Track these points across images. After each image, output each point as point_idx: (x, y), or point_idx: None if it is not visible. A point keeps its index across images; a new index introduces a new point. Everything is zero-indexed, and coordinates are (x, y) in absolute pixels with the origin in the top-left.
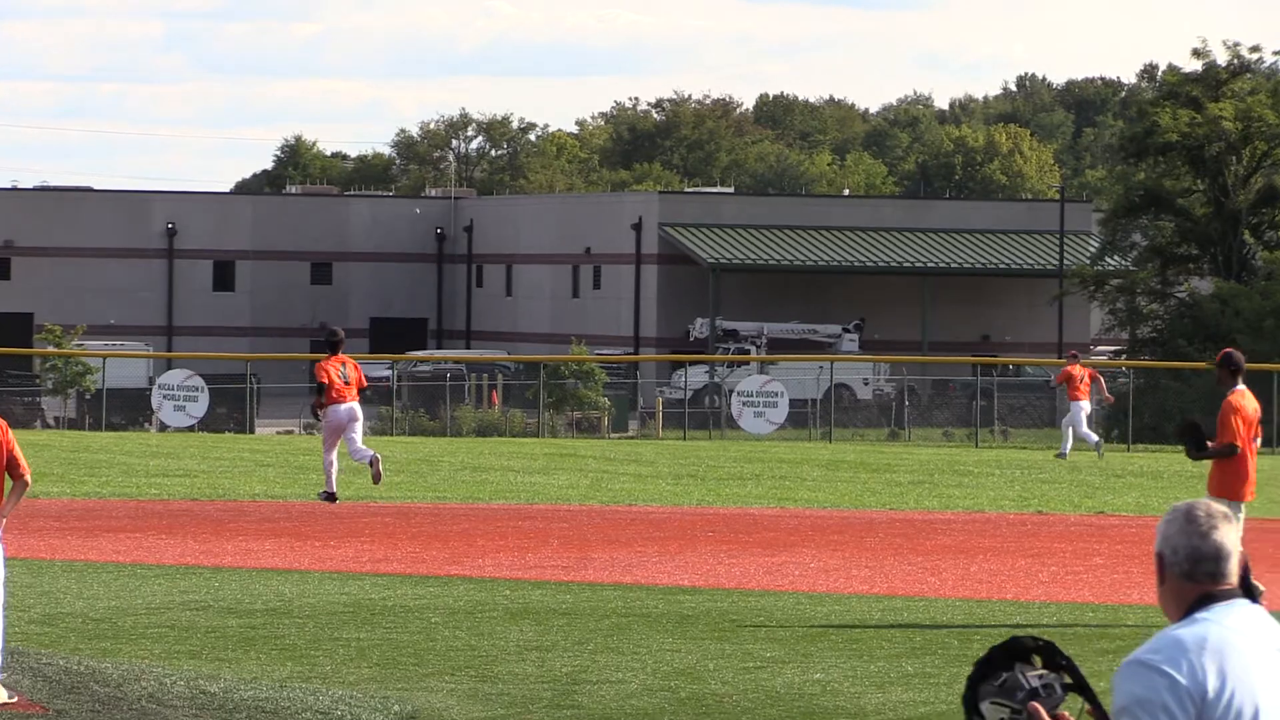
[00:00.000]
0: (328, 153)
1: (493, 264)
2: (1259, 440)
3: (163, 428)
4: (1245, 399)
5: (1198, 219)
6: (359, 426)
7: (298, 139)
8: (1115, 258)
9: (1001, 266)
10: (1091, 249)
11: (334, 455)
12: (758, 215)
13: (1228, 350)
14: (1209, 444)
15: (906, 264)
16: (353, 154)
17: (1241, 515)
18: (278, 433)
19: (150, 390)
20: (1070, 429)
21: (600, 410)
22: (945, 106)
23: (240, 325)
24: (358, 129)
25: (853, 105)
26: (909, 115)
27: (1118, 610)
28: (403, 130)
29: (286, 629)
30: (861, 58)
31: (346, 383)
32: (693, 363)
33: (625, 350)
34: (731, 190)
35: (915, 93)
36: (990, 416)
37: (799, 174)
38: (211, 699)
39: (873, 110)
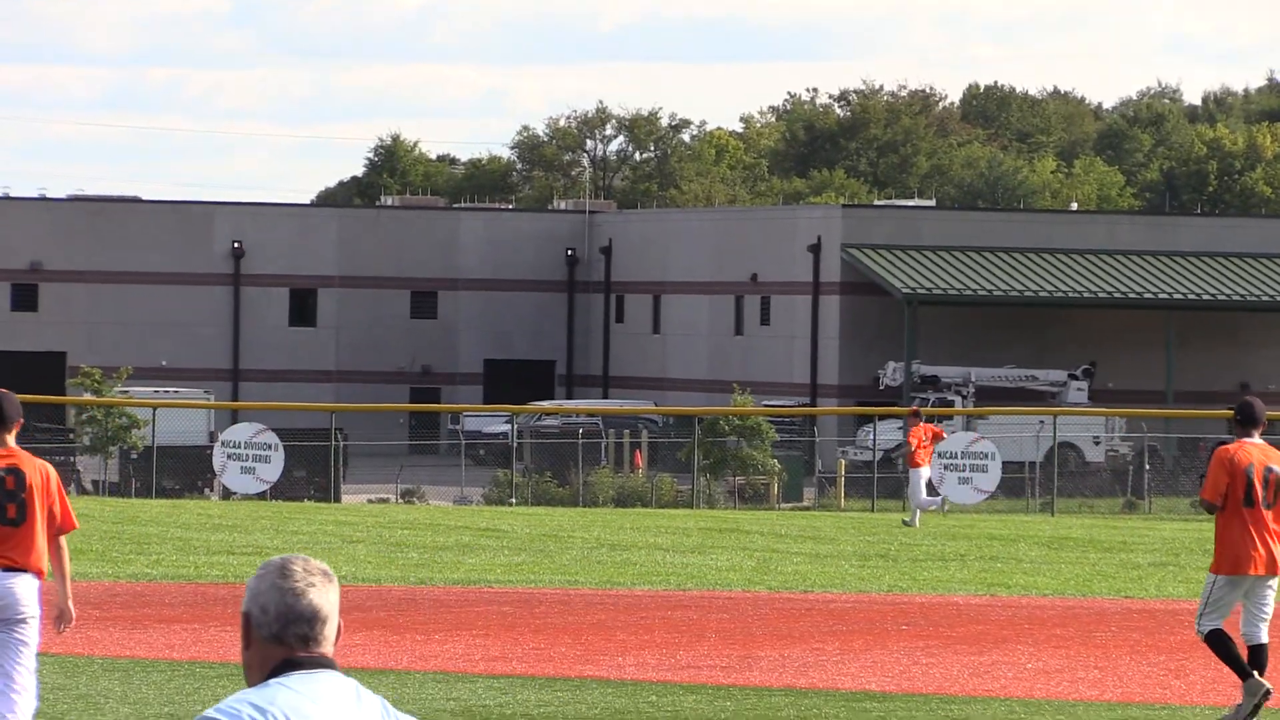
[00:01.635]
0: (432, 156)
1: (636, 294)
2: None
3: (227, 494)
4: (1245, 451)
5: None
6: None
7: (395, 139)
8: None
9: (1265, 299)
10: None
11: None
12: (964, 235)
13: (1245, 399)
14: None
15: (1148, 295)
16: (464, 158)
17: (1270, 593)
18: (369, 500)
19: (211, 448)
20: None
21: (769, 475)
22: (1198, 101)
23: (324, 368)
24: (470, 127)
25: (1083, 99)
26: (1152, 112)
27: None
28: (526, 128)
29: None
30: (1094, 42)
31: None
32: (883, 417)
33: (800, 401)
34: (932, 204)
35: (1160, 84)
36: None
37: (1016, 184)
38: None
39: (1107, 106)
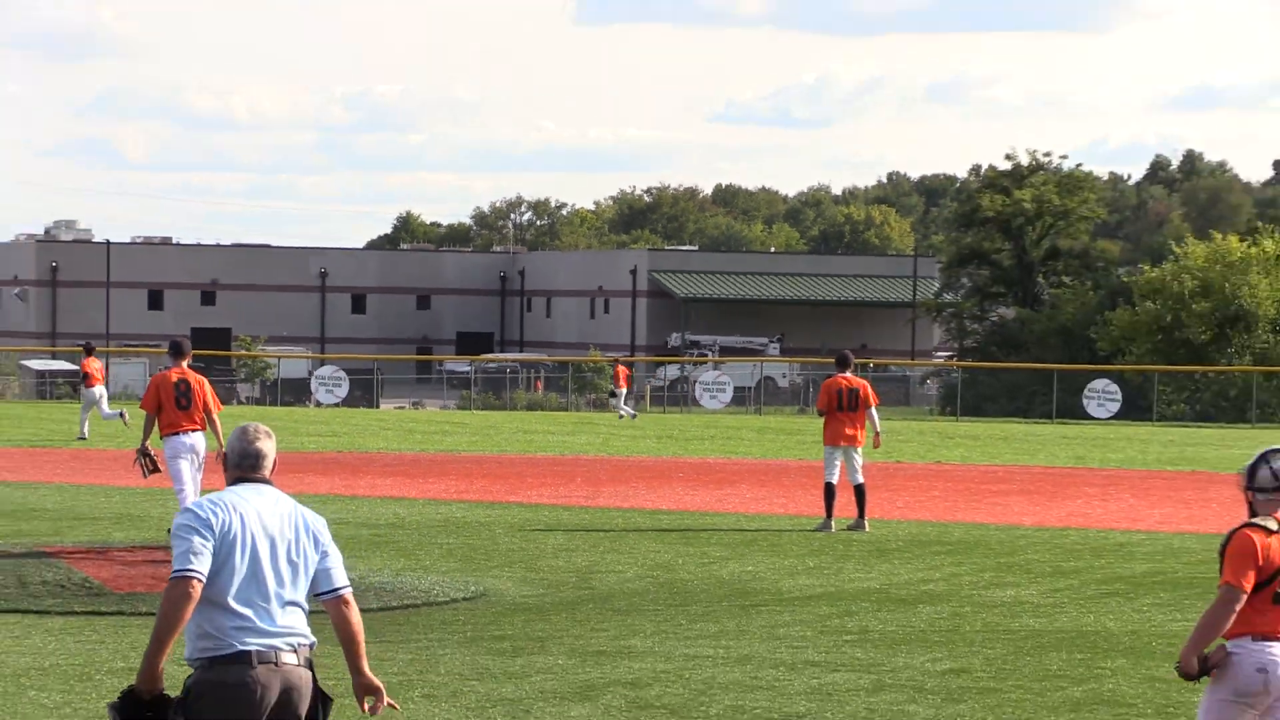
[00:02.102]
0: (428, 222)
1: (538, 297)
2: None
3: (318, 404)
4: (839, 380)
5: (1005, 268)
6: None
7: (408, 213)
8: (949, 294)
9: (875, 300)
10: (934, 288)
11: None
12: (714, 264)
13: (843, 351)
14: None
15: (813, 298)
16: (444, 223)
17: (858, 456)
18: (395, 408)
19: (310, 379)
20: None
21: (605, 392)
22: (839, 192)
23: (370, 336)
24: (449, 207)
25: (777, 191)
26: (815, 198)
27: (948, 527)
28: (478, 207)
29: (400, 536)
30: (785, 160)
31: (182, 407)
32: (669, 362)
33: (625, 354)
34: (696, 248)
35: (819, 184)
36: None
37: (742, 237)
38: (352, 582)
39: (790, 194)
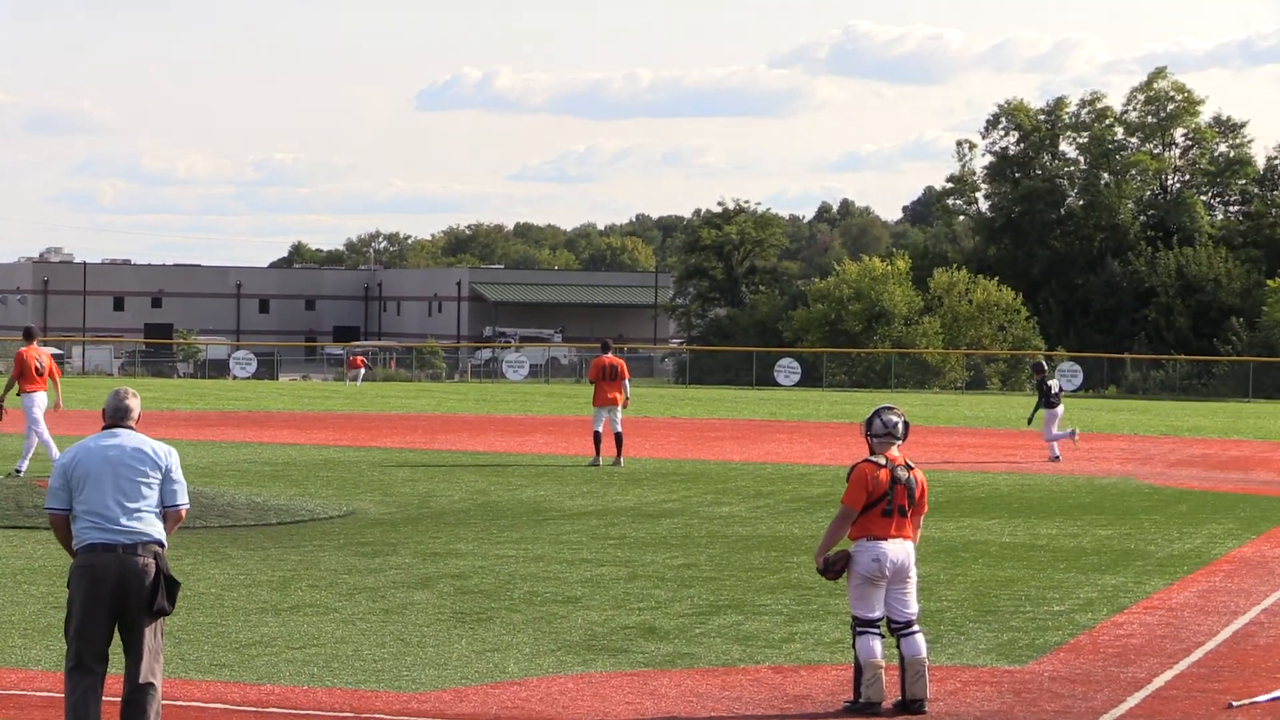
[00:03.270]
0: (313, 248)
1: (391, 301)
2: None
3: (235, 378)
4: (606, 358)
5: (719, 280)
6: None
7: (299, 243)
8: (680, 299)
9: (629, 302)
10: (670, 294)
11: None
12: (516, 278)
13: (605, 339)
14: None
15: (585, 302)
16: (325, 249)
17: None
18: (289, 380)
19: (229, 360)
20: None
21: (439, 368)
22: (602, 228)
23: (272, 329)
24: (328, 238)
25: (559, 227)
26: (585, 231)
27: (681, 463)
28: (348, 238)
29: (292, 472)
30: (564, 205)
31: (39, 373)
32: (484, 347)
33: (449, 340)
34: (503, 266)
35: (588, 221)
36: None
37: (535, 259)
38: (256, 504)
39: (568, 229)
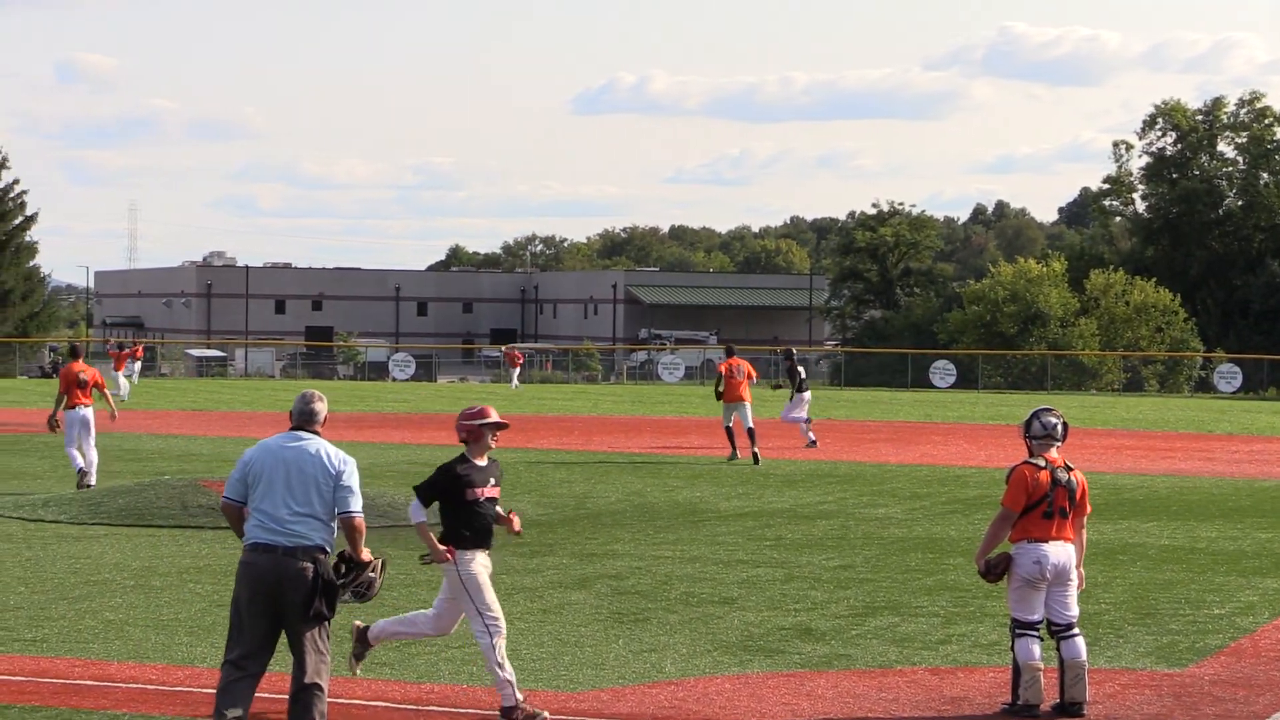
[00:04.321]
0: (470, 251)
1: (547, 304)
2: None
3: (394, 380)
4: (735, 360)
5: (874, 283)
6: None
7: (456, 246)
8: (835, 301)
9: (783, 305)
10: (824, 296)
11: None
12: (671, 280)
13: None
14: None
15: (740, 304)
16: (482, 252)
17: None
18: (447, 382)
19: (388, 362)
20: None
21: (595, 370)
22: (757, 230)
23: (429, 331)
24: (485, 241)
25: (714, 229)
26: (740, 234)
27: (836, 464)
28: (505, 241)
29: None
30: (718, 207)
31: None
32: (640, 349)
33: (605, 342)
34: (658, 269)
35: (742, 224)
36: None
37: (689, 261)
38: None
39: (723, 231)
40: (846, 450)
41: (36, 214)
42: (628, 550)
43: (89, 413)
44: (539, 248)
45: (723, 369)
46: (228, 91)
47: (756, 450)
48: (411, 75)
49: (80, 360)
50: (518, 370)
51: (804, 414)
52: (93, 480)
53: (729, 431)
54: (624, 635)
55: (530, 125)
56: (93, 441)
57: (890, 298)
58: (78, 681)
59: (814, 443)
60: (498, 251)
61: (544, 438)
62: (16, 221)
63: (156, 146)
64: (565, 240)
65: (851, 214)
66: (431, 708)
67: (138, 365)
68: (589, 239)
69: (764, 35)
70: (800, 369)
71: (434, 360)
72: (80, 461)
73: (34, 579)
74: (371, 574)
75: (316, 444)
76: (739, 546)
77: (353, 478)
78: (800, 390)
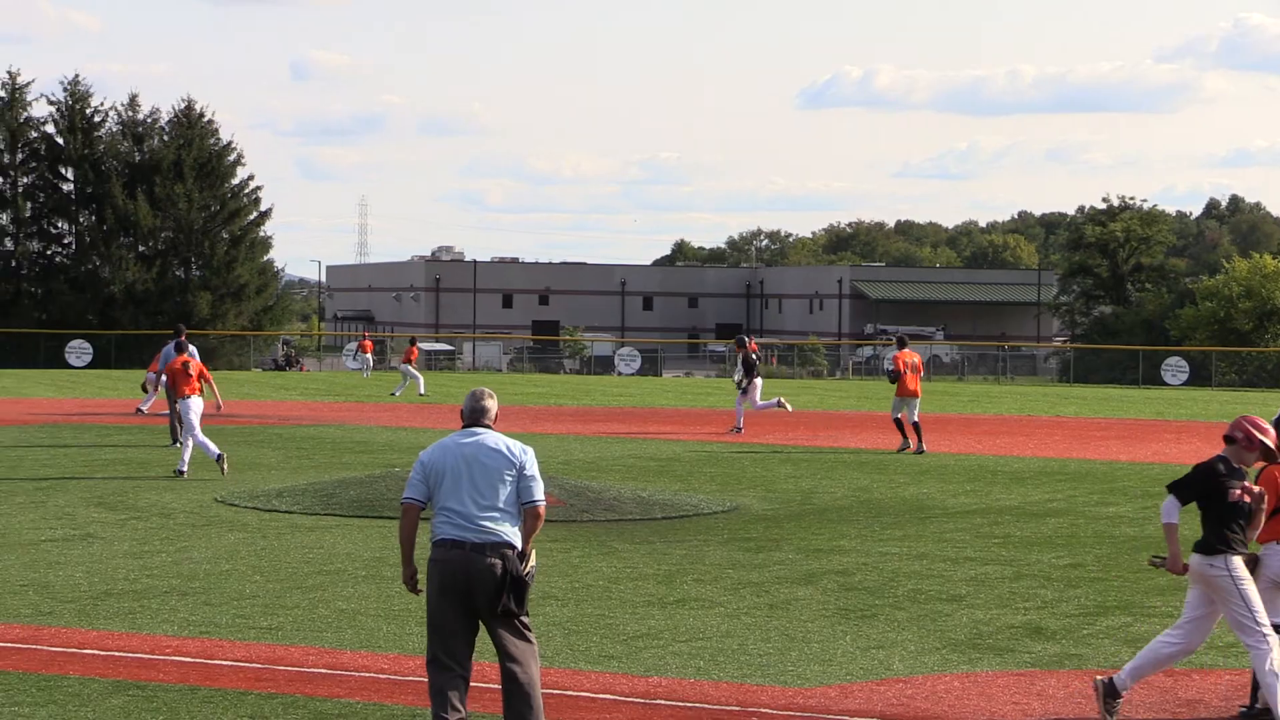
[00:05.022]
0: (695, 246)
1: (772, 299)
2: None
3: (619, 374)
4: (905, 354)
5: (1104, 278)
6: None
7: (682, 240)
8: (1064, 297)
9: (1011, 300)
10: (1053, 292)
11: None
12: (897, 276)
13: (899, 335)
14: None
15: (967, 300)
16: (707, 247)
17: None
18: (673, 376)
19: (613, 356)
20: None
21: (820, 365)
22: (984, 225)
23: (655, 326)
24: (710, 235)
25: (940, 224)
26: (966, 229)
27: (1066, 462)
28: (730, 236)
29: (676, 467)
30: (945, 202)
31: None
32: (865, 345)
33: (830, 337)
34: (884, 264)
35: (969, 219)
36: (962, 368)
37: (915, 256)
38: (641, 499)
39: (949, 226)
40: (1076, 448)
41: (270, 209)
42: (854, 546)
43: (197, 402)
44: (764, 242)
45: (900, 363)
46: (456, 88)
47: (924, 445)
48: (637, 70)
49: (185, 353)
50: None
51: (758, 398)
52: (184, 469)
53: (899, 423)
54: (851, 631)
55: (755, 120)
56: (194, 431)
57: (1120, 293)
58: (312, 669)
59: (739, 429)
60: (723, 246)
61: (769, 433)
62: (251, 217)
63: (387, 143)
64: (790, 235)
65: (1081, 209)
66: (659, 701)
67: (369, 358)
68: (814, 234)
69: (992, 28)
70: (752, 356)
71: (659, 355)
72: (214, 447)
73: (269, 568)
74: (533, 564)
75: (494, 437)
76: (967, 544)
77: (534, 467)
78: (753, 376)
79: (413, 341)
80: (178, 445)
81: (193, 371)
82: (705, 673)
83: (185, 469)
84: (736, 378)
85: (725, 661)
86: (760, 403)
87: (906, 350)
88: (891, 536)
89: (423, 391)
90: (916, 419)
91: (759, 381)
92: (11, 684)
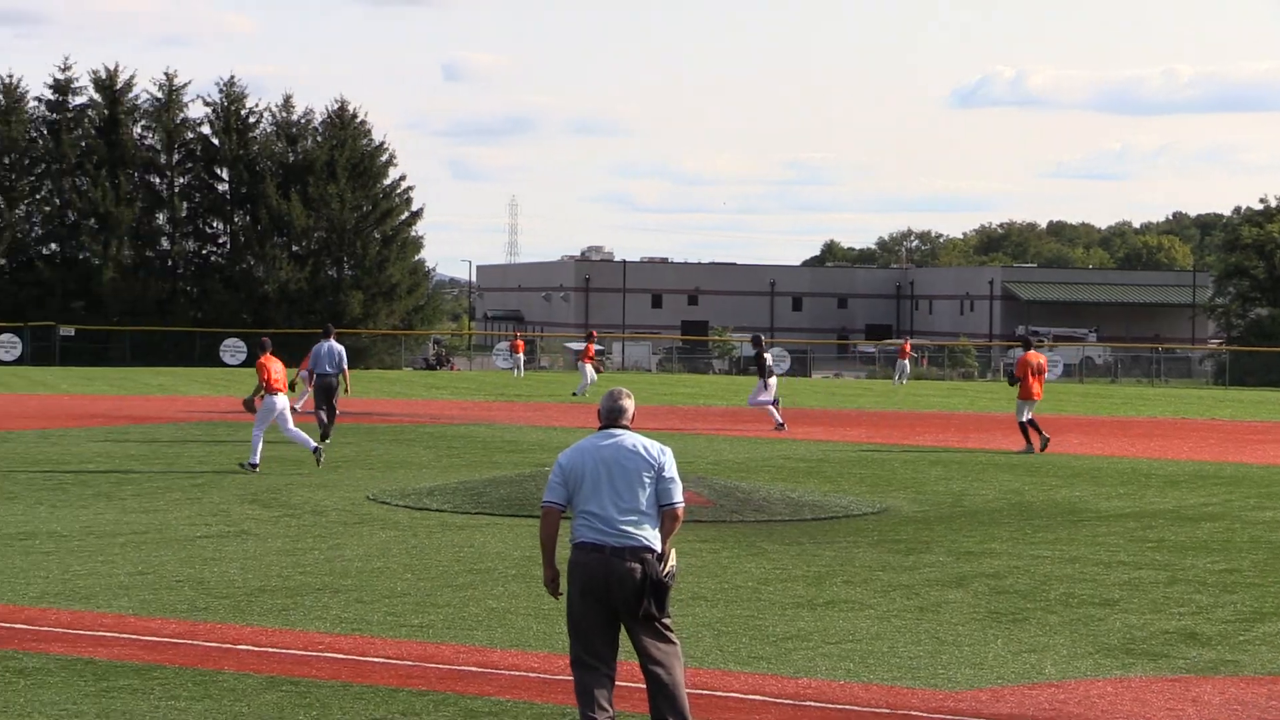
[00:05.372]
0: (844, 246)
1: (923, 300)
2: None
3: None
4: (1032, 354)
5: (1260, 280)
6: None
7: (831, 241)
8: (1219, 298)
9: (1165, 302)
10: (1208, 294)
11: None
12: (1049, 277)
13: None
14: None
15: (1120, 301)
16: (857, 247)
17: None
18: (822, 377)
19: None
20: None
21: (971, 367)
22: (1138, 226)
23: (804, 326)
24: (859, 236)
25: (1093, 225)
26: (1120, 230)
27: (1222, 465)
28: (880, 236)
29: (825, 468)
30: (1098, 203)
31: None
32: (1017, 346)
33: (981, 339)
34: (1035, 265)
35: (1122, 219)
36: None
37: (1068, 257)
38: (790, 500)
39: (1102, 227)
40: (1231, 451)
41: (422, 210)
42: (1005, 549)
43: (283, 400)
44: (914, 243)
45: (1025, 366)
46: (606, 89)
47: (1046, 438)
48: (787, 69)
49: (268, 353)
50: (906, 365)
51: (770, 398)
52: (255, 462)
53: (1022, 427)
54: (1002, 635)
55: (905, 119)
56: (288, 426)
57: (1277, 296)
58: (462, 667)
59: (782, 425)
60: (872, 247)
61: (920, 434)
62: (403, 217)
63: (537, 143)
64: (941, 236)
65: (1237, 209)
66: (808, 703)
67: (520, 358)
68: (965, 235)
69: (1147, 28)
70: (768, 356)
71: (809, 355)
72: (260, 446)
73: (420, 566)
74: (673, 565)
75: (631, 438)
76: (1120, 548)
77: (673, 468)
78: (766, 377)
79: (590, 337)
80: (326, 443)
81: (277, 372)
82: (855, 675)
83: (318, 445)
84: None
85: (875, 664)
86: (760, 399)
87: (1032, 351)
88: (1043, 540)
89: (577, 393)
90: (1032, 418)
91: (772, 382)
92: (168, 678)
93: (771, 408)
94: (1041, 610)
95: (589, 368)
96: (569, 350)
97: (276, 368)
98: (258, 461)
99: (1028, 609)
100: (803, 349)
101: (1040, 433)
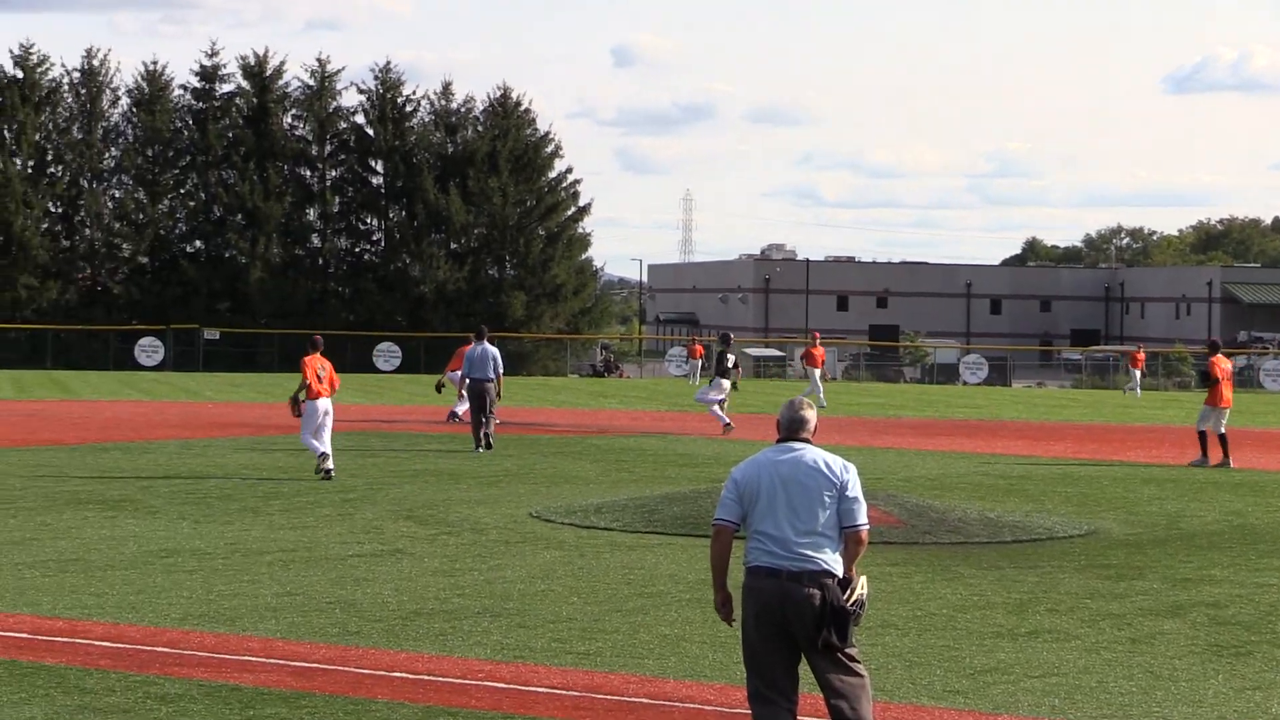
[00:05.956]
0: (1048, 244)
1: (1134, 303)
2: None
3: (964, 383)
4: (1221, 358)
5: None
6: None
7: (1033, 238)
8: None
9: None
10: None
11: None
12: (1275, 278)
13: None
14: None
15: None
16: (1061, 245)
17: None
18: (1023, 386)
19: (958, 364)
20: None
21: (1188, 376)
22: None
23: (1003, 331)
24: (1064, 233)
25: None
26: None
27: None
28: (1087, 234)
29: (1027, 486)
30: None
31: (320, 380)
32: (1238, 354)
33: (1199, 346)
34: (1259, 265)
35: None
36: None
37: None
38: (989, 520)
39: None
40: None
41: (590, 205)
42: (1226, 576)
43: (328, 404)
44: (1125, 241)
45: (1219, 369)
46: (789, 76)
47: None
48: (983, 54)
49: (318, 353)
50: (1138, 374)
51: (720, 397)
52: (329, 468)
53: (1203, 436)
54: (1224, 670)
55: (1115, 107)
56: (328, 435)
57: None
58: (632, 699)
59: (729, 425)
60: (1078, 245)
61: (1131, 449)
62: (569, 212)
63: (715, 134)
64: (1154, 233)
65: None
66: None
67: (698, 364)
68: (1181, 232)
69: None
70: (730, 356)
71: (1008, 362)
72: (319, 448)
73: (587, 589)
74: (863, 592)
75: (812, 453)
76: None
77: (857, 486)
78: (723, 376)
79: (814, 341)
80: (480, 451)
81: (324, 375)
82: (1060, 711)
83: (330, 466)
84: (731, 379)
85: (1083, 700)
86: (708, 397)
87: (1221, 355)
88: (1269, 566)
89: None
90: (1224, 430)
91: (725, 383)
92: (318, 706)
93: (717, 408)
94: (1268, 644)
95: (817, 373)
96: (747, 356)
97: (322, 370)
98: (331, 467)
99: (1252, 642)
100: (1002, 355)
101: (1226, 450)
